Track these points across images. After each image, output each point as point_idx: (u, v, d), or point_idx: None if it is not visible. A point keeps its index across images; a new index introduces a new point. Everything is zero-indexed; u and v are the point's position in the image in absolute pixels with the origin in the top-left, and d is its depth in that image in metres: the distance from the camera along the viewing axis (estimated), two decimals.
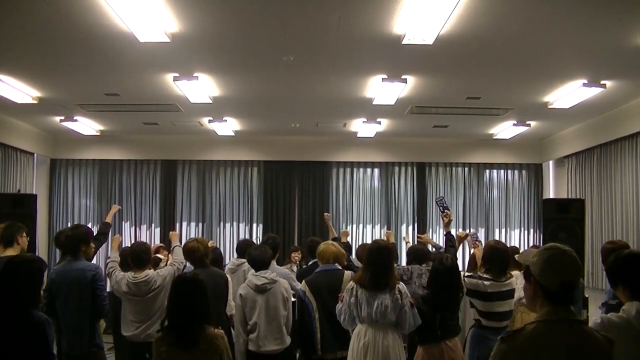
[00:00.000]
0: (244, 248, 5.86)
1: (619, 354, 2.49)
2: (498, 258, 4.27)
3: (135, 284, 4.43)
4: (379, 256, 3.97)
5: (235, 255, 5.99)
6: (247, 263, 5.65)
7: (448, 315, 4.00)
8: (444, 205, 5.09)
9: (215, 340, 3.04)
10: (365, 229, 9.96)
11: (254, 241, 9.46)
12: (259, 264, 4.54)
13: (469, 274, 4.37)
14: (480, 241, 5.64)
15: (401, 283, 4.02)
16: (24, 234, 4.52)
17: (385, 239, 5.78)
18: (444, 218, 4.92)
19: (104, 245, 5.86)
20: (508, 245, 5.54)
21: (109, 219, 5.52)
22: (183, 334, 3.00)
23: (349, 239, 7.98)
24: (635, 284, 2.62)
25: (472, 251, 5.61)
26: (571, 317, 2.09)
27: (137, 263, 4.54)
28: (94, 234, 5.25)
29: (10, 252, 4.20)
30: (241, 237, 9.64)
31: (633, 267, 2.67)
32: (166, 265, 5.21)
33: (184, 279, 3.24)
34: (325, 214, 7.26)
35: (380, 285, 3.87)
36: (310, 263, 5.81)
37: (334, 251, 4.61)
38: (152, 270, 4.61)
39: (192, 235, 9.73)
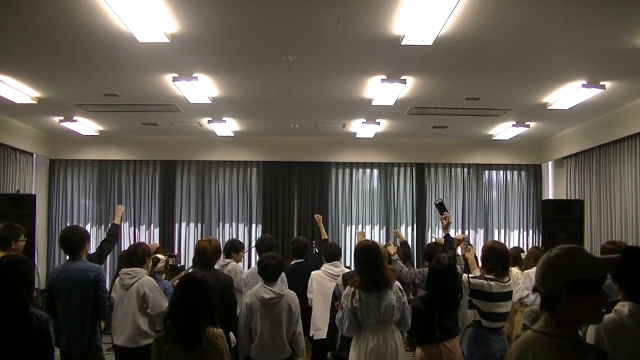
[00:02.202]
0: (229, 249, 5.87)
1: (612, 353, 2.49)
2: (498, 257, 4.28)
3: None
4: (367, 256, 3.92)
5: (223, 255, 5.94)
6: (232, 263, 5.68)
7: (446, 315, 3.99)
8: (443, 207, 5.10)
9: (216, 339, 3.05)
10: (364, 230, 9.93)
11: (253, 242, 9.51)
12: (271, 276, 4.45)
13: (474, 274, 4.36)
14: (471, 245, 5.65)
15: (396, 281, 4.00)
16: (22, 237, 4.50)
17: (399, 238, 5.72)
18: (443, 220, 4.92)
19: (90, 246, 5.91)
20: (508, 247, 5.56)
21: (117, 221, 5.51)
22: (185, 333, 3.00)
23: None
24: (630, 285, 2.63)
25: (463, 254, 5.62)
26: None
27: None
28: (105, 237, 5.26)
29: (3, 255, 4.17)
30: (240, 237, 9.65)
31: (628, 268, 2.67)
32: (165, 265, 5.19)
33: (188, 279, 3.23)
34: (317, 215, 7.23)
35: (379, 285, 3.85)
36: (292, 263, 5.78)
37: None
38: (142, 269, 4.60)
39: (192, 236, 9.81)
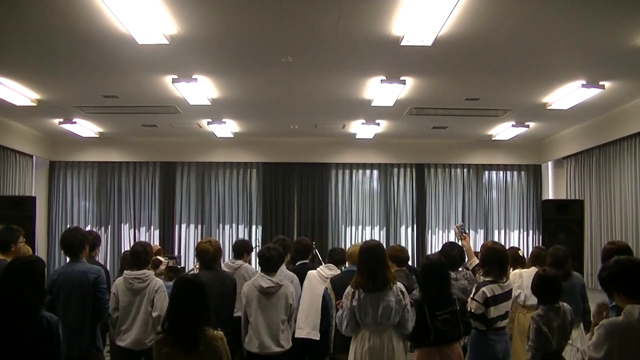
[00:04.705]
0: (241, 248, 5.77)
1: (622, 355, 2.51)
2: (497, 259, 4.24)
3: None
4: (371, 256, 3.91)
5: (232, 256, 5.88)
6: (244, 265, 5.61)
7: (439, 312, 3.95)
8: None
9: (215, 341, 3.04)
10: (364, 231, 9.97)
11: (253, 243, 9.48)
12: (270, 266, 4.49)
13: (482, 282, 4.29)
14: (467, 232, 5.61)
15: (399, 282, 3.99)
16: (21, 239, 4.47)
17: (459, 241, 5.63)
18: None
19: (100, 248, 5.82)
20: (508, 247, 5.52)
21: None
22: (183, 335, 2.99)
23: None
24: (629, 286, 2.67)
25: (460, 243, 5.56)
26: None
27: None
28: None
29: (4, 258, 4.15)
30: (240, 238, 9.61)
31: (625, 272, 2.70)
32: (166, 267, 5.16)
33: (185, 280, 3.23)
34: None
35: (379, 285, 3.84)
36: (298, 264, 5.72)
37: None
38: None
39: (192, 237, 9.81)
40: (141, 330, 4.27)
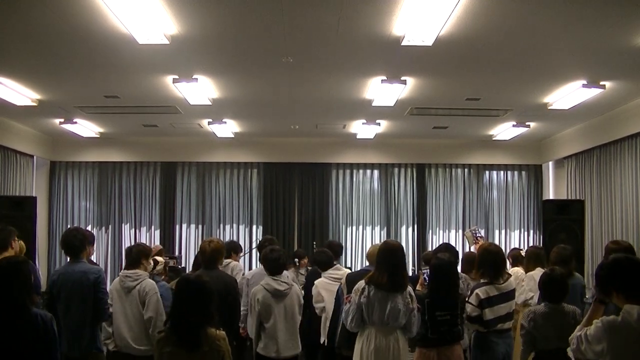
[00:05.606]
0: (230, 249, 5.84)
1: (619, 354, 2.51)
2: (491, 260, 4.23)
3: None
4: (393, 256, 3.92)
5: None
6: (233, 262, 5.66)
7: (441, 312, 3.94)
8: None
9: (218, 341, 3.04)
10: (365, 231, 9.97)
11: (253, 244, 9.51)
12: (279, 267, 4.49)
13: (476, 285, 4.30)
14: (482, 236, 5.51)
15: (409, 287, 3.99)
16: (16, 238, 4.48)
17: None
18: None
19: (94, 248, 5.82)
20: (509, 247, 5.49)
21: None
22: (185, 335, 3.00)
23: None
24: (629, 287, 2.66)
25: (472, 248, 5.50)
26: None
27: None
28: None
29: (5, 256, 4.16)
30: (241, 238, 9.65)
31: (624, 271, 2.69)
32: (164, 267, 5.15)
33: (187, 280, 3.23)
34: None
35: (396, 286, 3.84)
36: (311, 269, 5.75)
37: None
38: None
39: (192, 237, 9.84)
40: (132, 331, 4.20)
